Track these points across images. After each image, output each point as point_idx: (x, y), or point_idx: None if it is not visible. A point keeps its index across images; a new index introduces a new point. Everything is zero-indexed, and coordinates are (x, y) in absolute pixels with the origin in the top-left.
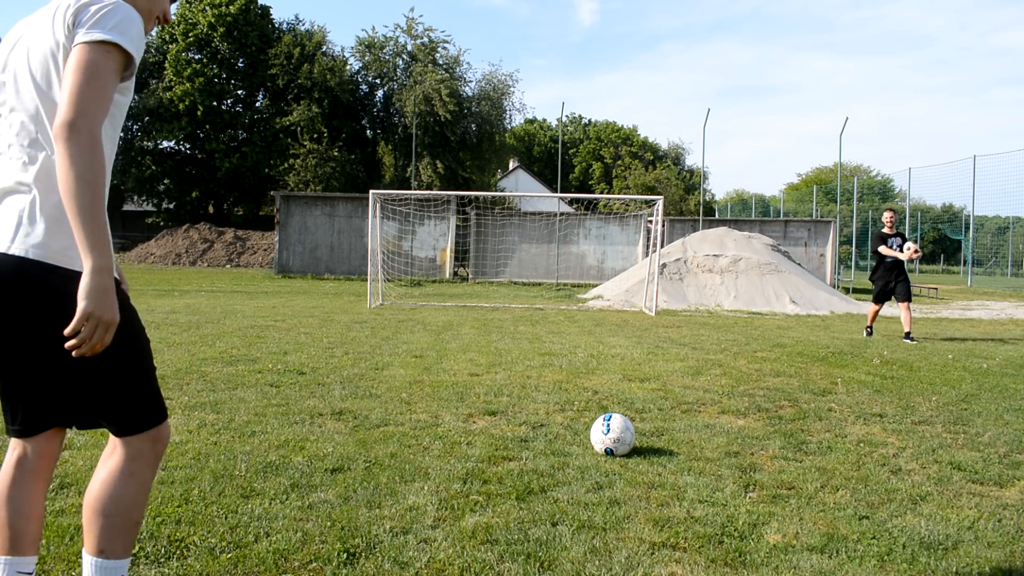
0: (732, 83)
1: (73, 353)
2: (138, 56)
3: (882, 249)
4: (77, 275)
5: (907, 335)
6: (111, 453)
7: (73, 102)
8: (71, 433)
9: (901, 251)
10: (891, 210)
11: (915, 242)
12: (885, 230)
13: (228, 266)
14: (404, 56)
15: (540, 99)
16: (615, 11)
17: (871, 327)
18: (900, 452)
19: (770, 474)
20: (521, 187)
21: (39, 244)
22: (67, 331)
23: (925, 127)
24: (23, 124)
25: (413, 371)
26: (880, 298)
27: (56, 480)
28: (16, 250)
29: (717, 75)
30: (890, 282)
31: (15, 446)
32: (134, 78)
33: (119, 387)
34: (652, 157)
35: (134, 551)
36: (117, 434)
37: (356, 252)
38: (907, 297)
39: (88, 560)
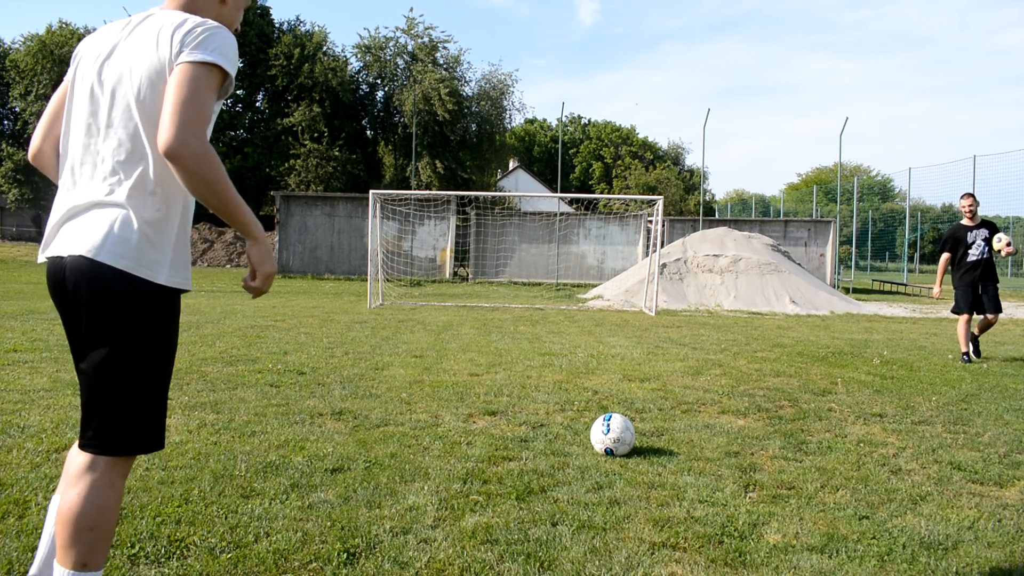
0: (732, 83)
1: (253, 296)
2: (233, 72)
3: (942, 261)
4: (153, 286)
5: (965, 355)
6: (89, 467)
7: (178, 117)
8: (71, 434)
9: (988, 246)
10: (969, 195)
11: (1006, 234)
12: (964, 221)
13: (228, 266)
14: (405, 56)
15: (540, 99)
16: (615, 11)
17: (967, 352)
18: (900, 452)
19: (770, 474)
20: (521, 187)
21: (130, 256)
22: (254, 287)
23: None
24: (120, 141)
25: (413, 371)
26: (965, 308)
27: (56, 480)
28: (105, 258)
29: (717, 75)
30: (976, 287)
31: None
32: (230, 91)
33: (132, 403)
34: (652, 157)
35: (134, 551)
36: (111, 453)
37: (356, 252)
38: (996, 308)
39: (65, 574)
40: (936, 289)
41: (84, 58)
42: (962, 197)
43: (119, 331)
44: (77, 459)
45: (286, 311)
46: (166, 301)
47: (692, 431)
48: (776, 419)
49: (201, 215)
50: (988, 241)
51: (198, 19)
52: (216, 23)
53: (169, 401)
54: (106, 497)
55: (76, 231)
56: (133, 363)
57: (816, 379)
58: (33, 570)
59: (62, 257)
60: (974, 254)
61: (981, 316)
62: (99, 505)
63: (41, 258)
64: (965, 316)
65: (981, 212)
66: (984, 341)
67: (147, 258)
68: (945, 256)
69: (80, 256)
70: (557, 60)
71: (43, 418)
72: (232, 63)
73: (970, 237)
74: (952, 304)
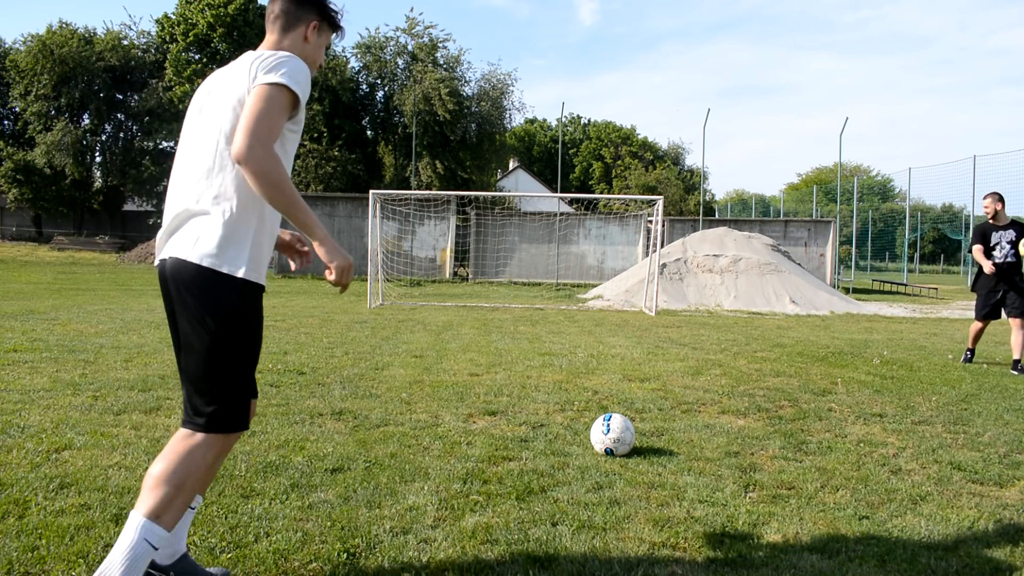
0: (732, 83)
1: (340, 291)
2: (304, 98)
3: (975, 251)
4: (233, 279)
5: (1016, 364)
6: (189, 436)
7: (249, 129)
8: (71, 434)
9: (1015, 250)
10: (992, 194)
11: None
12: (991, 220)
13: None
14: (405, 56)
15: (540, 99)
16: (615, 11)
17: (972, 350)
18: (900, 452)
19: (770, 474)
20: (521, 187)
21: (212, 254)
22: (333, 282)
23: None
24: (207, 157)
25: (413, 371)
26: (985, 313)
27: (56, 480)
28: (193, 258)
29: (717, 75)
30: (998, 291)
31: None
32: (303, 114)
33: (219, 386)
34: (652, 157)
35: None
36: (202, 430)
37: (356, 252)
38: (1021, 312)
39: (137, 520)
40: (989, 264)
41: (197, 93)
42: (984, 197)
43: (208, 321)
44: (182, 430)
45: (286, 311)
46: (247, 293)
47: (692, 431)
48: (776, 419)
49: None
50: (1014, 244)
51: (276, 51)
52: (290, 53)
53: (170, 401)
54: (196, 466)
55: (172, 238)
56: (219, 350)
57: (816, 379)
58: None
59: (164, 260)
60: (998, 256)
61: (1009, 320)
62: (187, 469)
63: (156, 262)
64: (982, 324)
65: (979, 212)
66: (984, 341)
67: (227, 253)
68: (977, 247)
69: (174, 258)
70: (557, 60)
71: (43, 418)
72: (301, 86)
73: (995, 238)
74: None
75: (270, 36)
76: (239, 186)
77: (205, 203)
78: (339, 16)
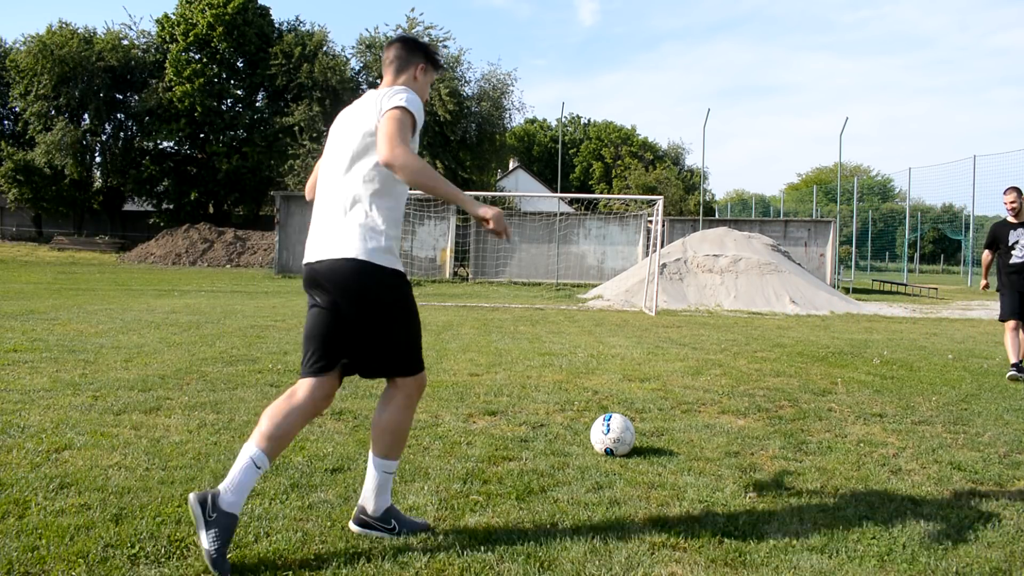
0: (732, 83)
1: (504, 237)
2: (420, 121)
3: (984, 259)
4: (382, 270)
5: (1014, 367)
6: (392, 395)
7: (386, 138)
8: (71, 434)
9: None
10: (1013, 188)
11: None
12: (1009, 218)
13: (228, 266)
14: None
15: (540, 99)
16: (616, 11)
17: (1017, 364)
18: (900, 452)
19: (770, 474)
20: (521, 187)
21: (364, 251)
22: (495, 232)
23: (925, 127)
24: (346, 178)
25: None
26: (1009, 313)
27: (56, 480)
28: (360, 255)
29: (717, 75)
30: (1021, 292)
31: (313, 384)
32: (418, 137)
33: (402, 347)
34: (652, 157)
35: (134, 551)
36: (397, 375)
37: None
38: None
39: (375, 460)
40: (983, 282)
41: (335, 125)
42: (1005, 192)
43: (369, 309)
44: (385, 393)
45: (286, 311)
46: (394, 279)
47: (692, 431)
48: (776, 419)
49: (201, 215)
50: None
51: (393, 87)
52: (406, 87)
53: (169, 401)
54: (403, 414)
55: (321, 242)
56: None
57: (816, 379)
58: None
59: (317, 261)
60: (1018, 256)
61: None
62: (397, 419)
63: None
64: (1011, 323)
65: (979, 212)
66: (984, 341)
67: (372, 247)
68: (986, 254)
69: (327, 259)
70: (557, 60)
71: (43, 418)
72: (418, 112)
73: (1012, 237)
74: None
75: (387, 77)
76: (374, 201)
77: (349, 218)
78: (440, 58)
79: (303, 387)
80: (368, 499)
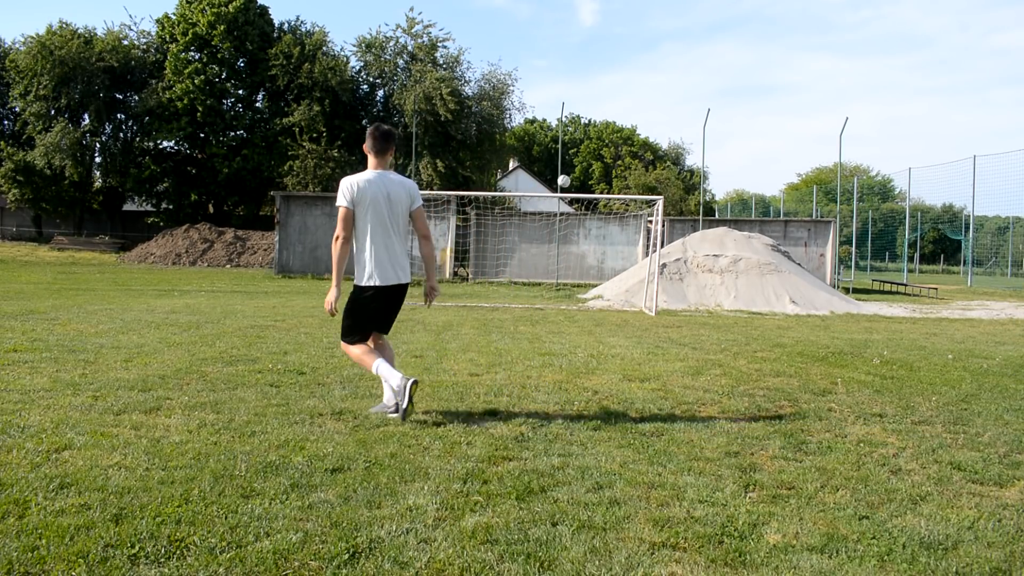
0: (732, 83)
1: (430, 304)
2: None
3: None
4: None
5: None
6: (382, 341)
7: (425, 225)
8: (71, 434)
9: None
10: None
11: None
12: None
13: (228, 266)
14: (405, 56)
15: (540, 99)
16: (616, 11)
17: None
18: (900, 452)
19: (770, 474)
20: (521, 187)
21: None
22: (428, 297)
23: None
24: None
25: (413, 371)
26: None
27: (56, 480)
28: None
29: (717, 75)
30: None
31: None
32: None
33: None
34: (652, 157)
35: (134, 551)
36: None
37: None
38: None
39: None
40: None
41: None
42: None
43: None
44: (378, 340)
45: (286, 311)
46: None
47: (692, 431)
48: (776, 419)
49: (201, 215)
50: None
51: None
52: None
53: (169, 401)
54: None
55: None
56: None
57: (816, 379)
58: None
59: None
60: None
61: None
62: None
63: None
64: None
65: (979, 212)
66: (984, 341)
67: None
68: None
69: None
70: (557, 60)
71: (43, 418)
72: (344, 192)
73: None
74: None
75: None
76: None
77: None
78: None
79: None
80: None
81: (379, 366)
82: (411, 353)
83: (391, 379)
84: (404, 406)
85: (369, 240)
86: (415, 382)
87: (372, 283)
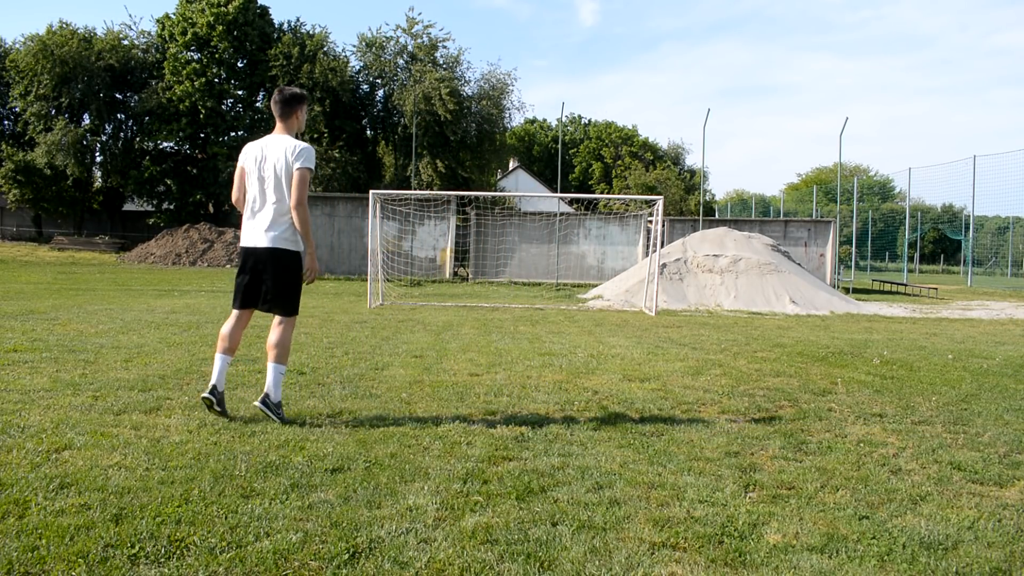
0: (732, 83)
1: (306, 282)
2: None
3: None
4: (291, 253)
5: None
6: (278, 324)
7: (296, 193)
8: (71, 434)
9: None
10: None
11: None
12: None
13: (228, 266)
14: (405, 56)
15: (540, 99)
16: (615, 11)
17: None
18: (900, 452)
19: (770, 474)
20: (521, 187)
21: (282, 239)
22: (305, 274)
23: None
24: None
25: (413, 371)
26: None
27: (56, 480)
28: (270, 244)
29: (717, 75)
30: None
31: (236, 315)
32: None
33: (289, 298)
34: (652, 157)
35: (134, 551)
36: (283, 315)
37: (356, 252)
38: None
39: (271, 366)
40: None
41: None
42: None
43: (279, 272)
44: (273, 323)
45: None
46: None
47: (692, 431)
48: (776, 419)
49: (201, 215)
50: None
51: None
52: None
53: (169, 401)
54: (286, 335)
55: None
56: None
57: (816, 379)
58: (214, 380)
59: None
60: None
61: None
62: (282, 338)
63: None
64: None
65: (979, 212)
66: (984, 341)
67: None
68: None
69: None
70: (557, 60)
71: (43, 418)
72: (314, 165)
73: None
74: None
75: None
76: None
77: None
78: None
79: None
80: (271, 389)
81: (217, 357)
82: (411, 353)
83: (213, 374)
84: (205, 395)
85: (247, 203)
86: (205, 398)
87: (240, 245)
